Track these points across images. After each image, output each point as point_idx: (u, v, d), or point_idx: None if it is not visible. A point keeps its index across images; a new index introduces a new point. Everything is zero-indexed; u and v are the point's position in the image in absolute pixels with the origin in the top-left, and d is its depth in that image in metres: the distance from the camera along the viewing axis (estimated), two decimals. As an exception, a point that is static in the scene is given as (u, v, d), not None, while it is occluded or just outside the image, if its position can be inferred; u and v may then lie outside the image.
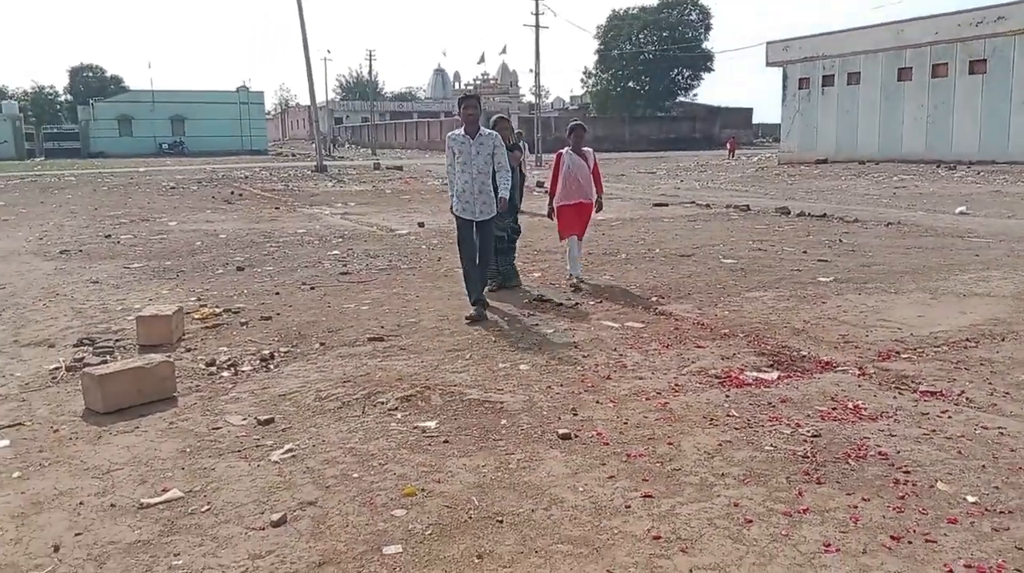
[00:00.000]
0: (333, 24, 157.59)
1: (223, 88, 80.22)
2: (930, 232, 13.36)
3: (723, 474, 3.87)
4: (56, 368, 5.93)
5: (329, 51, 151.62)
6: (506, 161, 7.43)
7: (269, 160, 57.38)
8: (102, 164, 50.76)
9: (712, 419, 4.63)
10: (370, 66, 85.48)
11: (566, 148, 8.89)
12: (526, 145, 19.68)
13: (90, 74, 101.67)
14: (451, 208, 7.52)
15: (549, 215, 9.01)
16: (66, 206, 20.88)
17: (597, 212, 9.09)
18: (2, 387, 5.50)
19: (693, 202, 20.03)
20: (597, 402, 4.97)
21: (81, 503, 3.69)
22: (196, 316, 7.49)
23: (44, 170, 43.05)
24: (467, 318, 7.12)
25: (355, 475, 3.91)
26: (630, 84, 77.28)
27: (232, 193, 24.77)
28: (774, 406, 4.84)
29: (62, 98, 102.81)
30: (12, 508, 3.65)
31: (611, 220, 15.45)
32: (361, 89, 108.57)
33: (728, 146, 52.90)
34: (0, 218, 17.66)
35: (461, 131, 7.32)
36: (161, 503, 3.66)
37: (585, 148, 8.90)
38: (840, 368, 5.62)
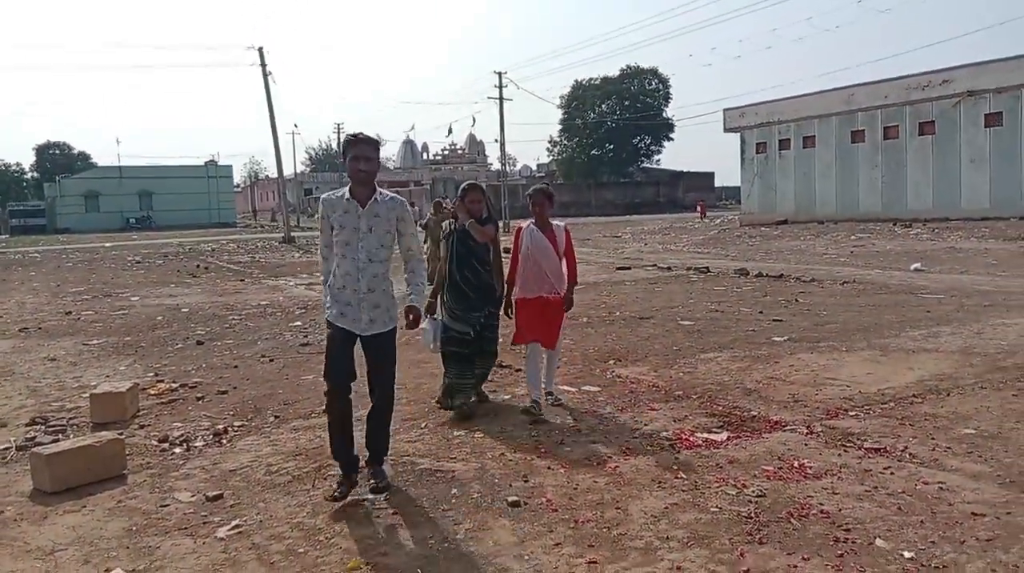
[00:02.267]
0: (301, 98, 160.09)
1: (191, 162, 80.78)
2: (884, 290, 13.67)
3: (668, 537, 3.91)
4: (6, 448, 5.86)
5: (296, 125, 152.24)
6: (417, 245, 4.94)
7: (237, 232, 57.42)
8: (68, 240, 50.44)
9: (660, 482, 4.68)
10: (338, 138, 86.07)
11: (528, 222, 6.62)
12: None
13: (57, 151, 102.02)
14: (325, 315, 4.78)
15: (505, 311, 6.59)
16: (29, 283, 20.70)
17: (566, 310, 6.56)
18: (-52, 470, 5.41)
19: (655, 265, 20.34)
20: (549, 468, 5.01)
21: (20, 587, 3.64)
22: (152, 392, 7.45)
23: (8, 247, 42.69)
24: (329, 497, 4.48)
25: (300, 550, 3.90)
26: (594, 151, 78.92)
27: (197, 266, 24.72)
28: (722, 467, 4.90)
29: (28, 175, 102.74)
30: (-51, 595, 3.59)
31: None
32: (330, 161, 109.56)
33: (699, 209, 54.41)
34: (-41, 297, 17.46)
35: (344, 193, 4.65)
36: (103, 584, 3.62)
37: (555, 222, 6.53)
38: (788, 427, 5.72)
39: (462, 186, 6.72)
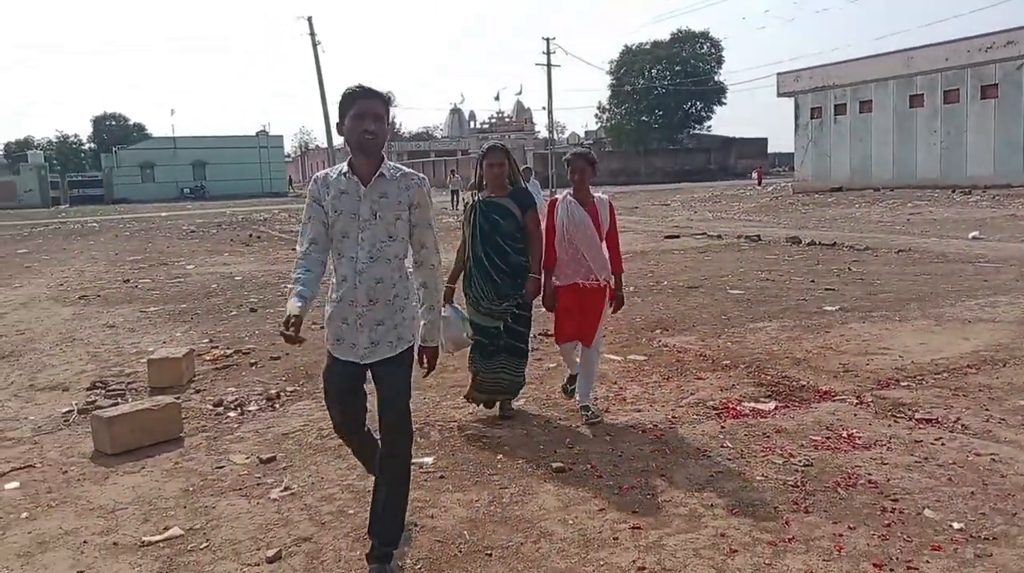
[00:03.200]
0: (351, 68, 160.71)
1: (243, 133, 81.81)
2: (940, 258, 13.35)
3: (712, 505, 3.92)
4: (68, 411, 6.07)
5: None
6: (433, 242, 3.52)
7: (289, 202, 58.13)
8: (125, 210, 51.64)
9: (706, 451, 4.68)
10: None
11: (565, 193, 5.46)
12: (537, 183, 14.74)
13: (113, 122, 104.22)
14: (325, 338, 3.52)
15: (544, 303, 5.41)
16: (87, 252, 21.28)
17: (615, 311, 5.59)
18: (15, 430, 5.65)
19: (705, 233, 20.11)
20: (593, 435, 5.04)
21: (85, 542, 3.80)
22: (207, 357, 7.64)
23: (68, 217, 43.88)
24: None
25: (351, 511, 4.00)
26: (644, 118, 77.80)
27: (250, 235, 25.14)
28: (768, 437, 4.88)
29: (86, 146, 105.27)
30: (18, 547, 3.77)
31: (622, 253, 15.52)
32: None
33: (756, 175, 53.96)
34: (23, 265, 18.04)
35: (343, 168, 3.38)
36: (162, 541, 3.76)
37: (598, 194, 5.44)
38: (838, 397, 5.66)
39: (483, 148, 5.41)
